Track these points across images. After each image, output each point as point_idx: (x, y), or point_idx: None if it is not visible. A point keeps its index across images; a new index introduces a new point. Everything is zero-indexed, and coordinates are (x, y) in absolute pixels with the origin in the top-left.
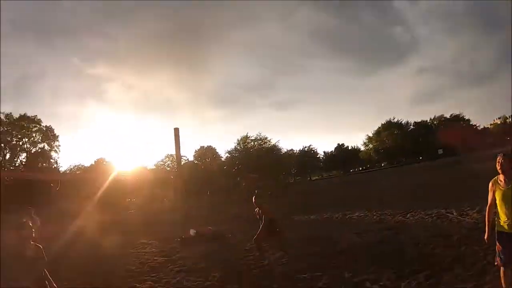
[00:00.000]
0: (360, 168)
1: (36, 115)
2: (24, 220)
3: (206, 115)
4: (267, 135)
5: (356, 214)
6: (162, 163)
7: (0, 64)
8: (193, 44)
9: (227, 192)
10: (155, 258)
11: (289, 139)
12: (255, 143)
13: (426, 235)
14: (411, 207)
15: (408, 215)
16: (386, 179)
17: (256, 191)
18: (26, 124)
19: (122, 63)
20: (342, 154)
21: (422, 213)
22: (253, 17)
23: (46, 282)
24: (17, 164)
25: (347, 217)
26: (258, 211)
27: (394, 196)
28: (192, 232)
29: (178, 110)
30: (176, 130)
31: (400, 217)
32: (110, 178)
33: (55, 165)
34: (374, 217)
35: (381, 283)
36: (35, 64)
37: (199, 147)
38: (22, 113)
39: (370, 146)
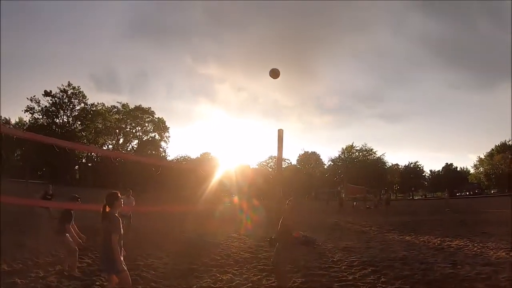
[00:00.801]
0: (467, 193)
1: (150, 107)
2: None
3: (312, 120)
4: (372, 147)
5: (455, 243)
6: (265, 163)
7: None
8: (302, 50)
9: (326, 200)
10: (241, 253)
11: (395, 152)
12: (360, 153)
13: None
14: None
15: None
16: (493, 208)
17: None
18: (140, 114)
19: (232, 65)
20: (450, 175)
21: None
22: (363, 23)
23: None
24: (128, 149)
25: (445, 244)
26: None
27: (499, 228)
28: None
29: (284, 114)
30: (280, 132)
31: (502, 253)
32: (214, 171)
33: (163, 154)
34: (475, 248)
35: None
36: (151, 62)
37: (303, 152)
38: (138, 105)
39: (481, 169)
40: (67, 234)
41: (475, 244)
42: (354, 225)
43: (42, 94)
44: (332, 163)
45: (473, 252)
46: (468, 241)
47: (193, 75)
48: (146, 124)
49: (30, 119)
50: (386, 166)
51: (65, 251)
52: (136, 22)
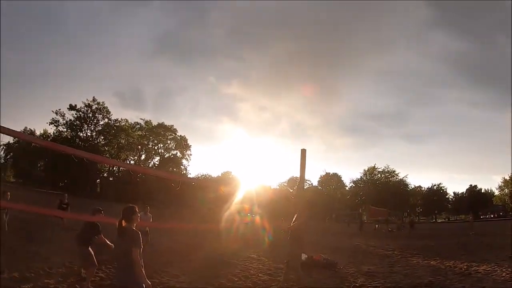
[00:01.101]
0: (492, 216)
1: (172, 125)
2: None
3: (334, 141)
4: (395, 168)
5: (482, 268)
6: (285, 184)
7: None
8: (324, 70)
9: (347, 222)
10: (260, 275)
11: (418, 174)
12: (382, 175)
13: None
14: None
15: None
16: None
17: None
18: (162, 132)
19: (255, 85)
20: (474, 197)
21: None
22: (383, 43)
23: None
24: (150, 165)
25: (472, 269)
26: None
27: None
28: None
29: (306, 135)
30: (303, 151)
31: None
32: (235, 191)
33: (185, 171)
34: (503, 274)
35: None
36: (175, 80)
37: (324, 173)
38: (160, 122)
39: (506, 191)
40: (89, 247)
41: (503, 269)
42: (376, 249)
43: (67, 108)
44: (353, 185)
45: (502, 278)
46: (496, 266)
47: (216, 94)
48: (168, 142)
49: (55, 132)
50: (408, 188)
51: (85, 263)
52: (161, 41)
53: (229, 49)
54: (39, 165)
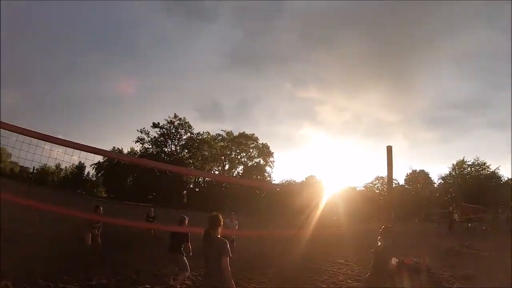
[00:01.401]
0: None
1: (253, 134)
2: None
3: (417, 136)
4: (485, 160)
5: None
6: (371, 185)
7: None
8: (399, 63)
9: (438, 222)
10: (348, 281)
11: (508, 164)
12: (472, 169)
13: None
14: None
15: None
16: None
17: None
18: (244, 141)
19: (332, 86)
20: None
21: None
22: (460, 23)
23: None
24: (234, 175)
25: None
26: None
27: None
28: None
29: (389, 132)
30: (389, 148)
31: None
32: (320, 194)
33: (269, 178)
34: None
35: None
36: (252, 90)
37: (410, 171)
38: (241, 132)
39: None
40: (183, 253)
41: None
42: (471, 250)
43: (151, 126)
44: (442, 181)
45: None
46: None
47: (294, 100)
48: (251, 150)
49: (141, 149)
50: (501, 181)
51: (178, 269)
52: (232, 54)
53: (301, 54)
54: (128, 180)
